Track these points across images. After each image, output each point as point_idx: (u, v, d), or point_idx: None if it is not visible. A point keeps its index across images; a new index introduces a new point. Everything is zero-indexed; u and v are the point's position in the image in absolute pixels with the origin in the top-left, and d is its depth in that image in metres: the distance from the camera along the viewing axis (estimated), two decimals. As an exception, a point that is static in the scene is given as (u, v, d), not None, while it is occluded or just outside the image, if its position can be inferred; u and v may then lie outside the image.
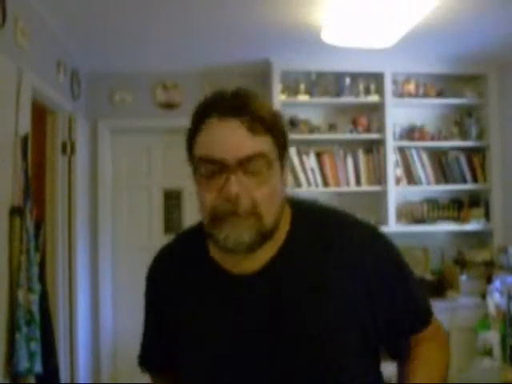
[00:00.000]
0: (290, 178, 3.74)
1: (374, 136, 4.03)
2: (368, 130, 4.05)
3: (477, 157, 4.14)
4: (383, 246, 1.07)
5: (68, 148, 3.53)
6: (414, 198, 4.14)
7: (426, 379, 1.04)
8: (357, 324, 1.00)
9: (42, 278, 2.54)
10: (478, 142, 4.12)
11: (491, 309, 3.26)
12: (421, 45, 3.58)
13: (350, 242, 1.03)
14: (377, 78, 4.06)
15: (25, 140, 2.52)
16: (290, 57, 3.79)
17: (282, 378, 0.98)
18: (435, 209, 4.10)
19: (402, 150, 4.06)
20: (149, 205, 4.32)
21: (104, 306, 4.12)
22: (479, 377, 3.05)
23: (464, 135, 4.14)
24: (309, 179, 3.93)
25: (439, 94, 4.14)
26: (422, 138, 4.08)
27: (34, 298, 2.38)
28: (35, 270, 2.41)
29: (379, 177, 4.01)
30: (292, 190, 3.62)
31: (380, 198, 4.06)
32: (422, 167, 4.06)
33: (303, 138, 3.93)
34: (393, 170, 3.97)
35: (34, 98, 2.80)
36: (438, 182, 4.08)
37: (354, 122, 4.07)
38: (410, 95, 4.09)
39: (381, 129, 4.03)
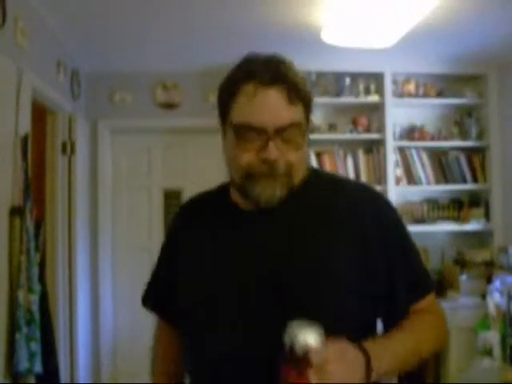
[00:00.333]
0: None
1: (374, 136, 4.03)
2: (368, 130, 4.05)
3: (477, 157, 4.14)
4: (390, 206, 1.15)
5: (68, 148, 3.53)
6: (414, 198, 4.14)
7: (399, 344, 1.01)
8: (361, 262, 1.04)
9: (42, 278, 2.55)
10: (478, 141, 4.12)
11: (491, 309, 3.25)
12: (421, 45, 3.58)
13: (352, 186, 1.18)
14: (377, 78, 4.06)
15: (25, 140, 2.52)
16: (290, 57, 3.76)
17: (282, 308, 0.99)
18: (435, 209, 4.10)
19: (402, 150, 4.06)
20: (149, 205, 4.32)
21: (104, 306, 4.11)
22: (479, 377, 3.05)
23: (464, 135, 4.14)
24: (309, 179, 3.92)
25: (439, 94, 4.14)
26: (421, 138, 4.08)
27: (34, 298, 2.38)
28: (35, 270, 2.42)
29: (379, 177, 4.01)
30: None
31: (380, 198, 4.05)
32: (422, 167, 4.06)
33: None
34: (393, 169, 3.97)
35: (34, 97, 2.80)
36: (438, 182, 4.08)
37: (354, 122, 4.07)
38: (409, 95, 4.09)
39: (381, 129, 4.03)
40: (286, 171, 1.02)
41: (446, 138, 4.13)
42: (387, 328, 1.09)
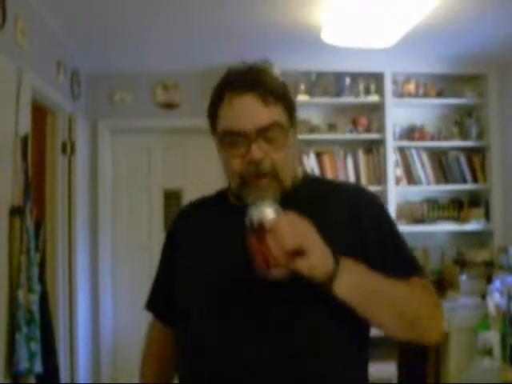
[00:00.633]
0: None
1: (374, 136, 4.03)
2: (368, 130, 4.05)
3: (477, 157, 4.14)
4: (380, 203, 1.21)
5: (68, 148, 3.53)
6: (414, 197, 4.14)
7: (381, 281, 1.00)
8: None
9: (42, 278, 2.55)
10: (478, 142, 4.12)
11: (491, 309, 3.26)
12: (421, 45, 3.58)
13: (351, 189, 1.24)
14: (377, 78, 4.06)
15: (25, 140, 2.52)
16: (290, 57, 3.79)
17: (281, 308, 1.01)
18: (435, 209, 4.10)
19: (402, 150, 4.06)
20: (149, 205, 4.32)
21: (104, 305, 4.11)
22: (479, 377, 3.05)
23: (464, 135, 4.14)
24: (309, 179, 3.92)
25: (439, 94, 4.14)
26: (421, 138, 4.08)
27: (34, 298, 2.38)
28: (35, 270, 2.42)
29: (379, 177, 4.01)
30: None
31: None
32: (422, 167, 4.06)
33: (303, 138, 3.93)
34: (393, 169, 3.97)
35: (33, 97, 2.80)
36: (438, 181, 4.08)
37: (354, 122, 4.07)
38: (410, 95, 4.09)
39: (381, 129, 4.03)
40: (272, 170, 1.07)
41: (445, 138, 4.13)
42: None
